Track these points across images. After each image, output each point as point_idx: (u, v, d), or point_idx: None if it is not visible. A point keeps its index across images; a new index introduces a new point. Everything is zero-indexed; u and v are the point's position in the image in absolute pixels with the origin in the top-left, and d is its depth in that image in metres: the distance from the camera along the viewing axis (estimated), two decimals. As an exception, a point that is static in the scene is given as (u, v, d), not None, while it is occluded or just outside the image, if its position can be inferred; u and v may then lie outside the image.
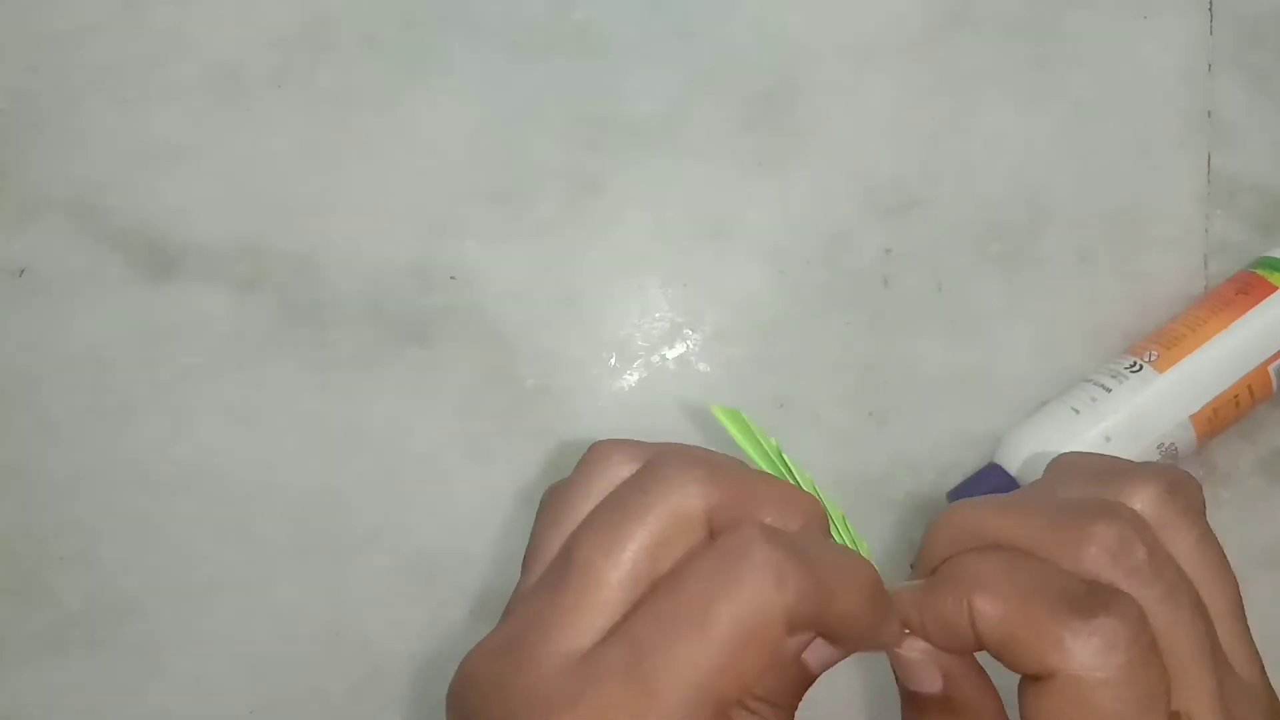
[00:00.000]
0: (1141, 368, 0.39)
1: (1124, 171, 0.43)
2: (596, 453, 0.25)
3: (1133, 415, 0.38)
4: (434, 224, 0.42)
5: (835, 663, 0.24)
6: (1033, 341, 0.42)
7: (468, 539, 0.41)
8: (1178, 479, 0.25)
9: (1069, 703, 0.22)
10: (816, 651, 0.24)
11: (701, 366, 0.42)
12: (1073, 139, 0.43)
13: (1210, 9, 0.43)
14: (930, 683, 0.26)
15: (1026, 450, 0.40)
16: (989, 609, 0.23)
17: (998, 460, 0.40)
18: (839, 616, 0.22)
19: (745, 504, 0.24)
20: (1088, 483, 0.26)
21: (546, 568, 0.24)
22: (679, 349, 0.42)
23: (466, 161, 0.42)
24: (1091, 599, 0.22)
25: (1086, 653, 0.22)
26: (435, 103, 0.42)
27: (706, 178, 0.42)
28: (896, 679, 0.26)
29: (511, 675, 0.22)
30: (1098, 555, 0.23)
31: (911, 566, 0.42)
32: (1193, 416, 0.38)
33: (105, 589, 0.41)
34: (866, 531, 0.42)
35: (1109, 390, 0.39)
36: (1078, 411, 0.39)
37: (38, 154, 0.41)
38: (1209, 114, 0.43)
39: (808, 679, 0.24)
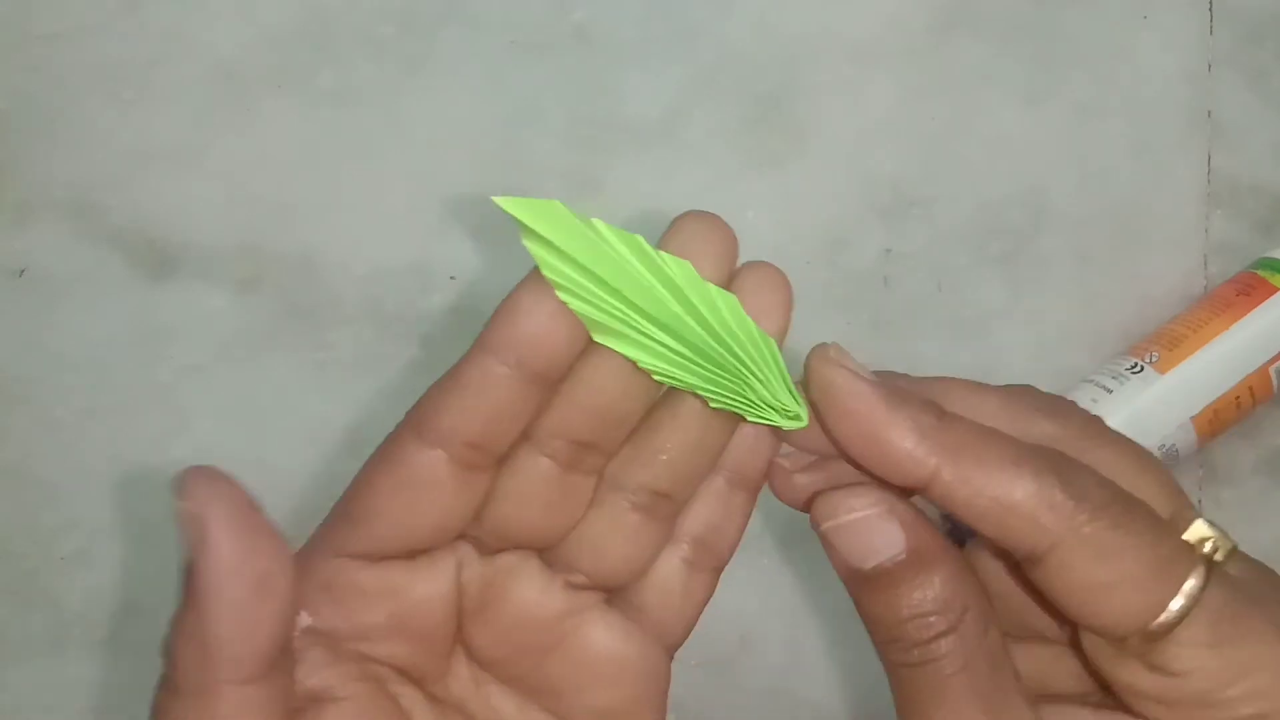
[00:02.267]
0: (1142, 369, 0.39)
1: (1124, 171, 0.43)
2: None
3: (1133, 416, 0.38)
4: (434, 224, 0.42)
5: None
6: (1033, 341, 0.42)
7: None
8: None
9: None
10: None
11: (701, 366, 0.42)
12: (1073, 139, 0.43)
13: (1210, 9, 0.43)
14: (892, 543, 0.22)
15: (1026, 450, 0.40)
16: (977, 477, 0.21)
17: (998, 460, 0.40)
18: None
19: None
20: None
21: None
22: (679, 349, 0.42)
23: (466, 161, 0.42)
24: (1063, 464, 0.22)
25: None
26: (435, 103, 0.42)
27: (706, 178, 0.42)
28: (837, 565, 0.23)
29: None
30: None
31: None
32: (1193, 418, 0.38)
33: (105, 589, 0.41)
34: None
35: (1110, 391, 0.39)
36: (1078, 412, 0.39)
37: (38, 154, 0.41)
38: (1209, 114, 0.43)
39: None
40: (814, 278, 0.42)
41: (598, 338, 0.22)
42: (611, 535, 0.23)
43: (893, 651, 0.22)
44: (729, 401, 0.23)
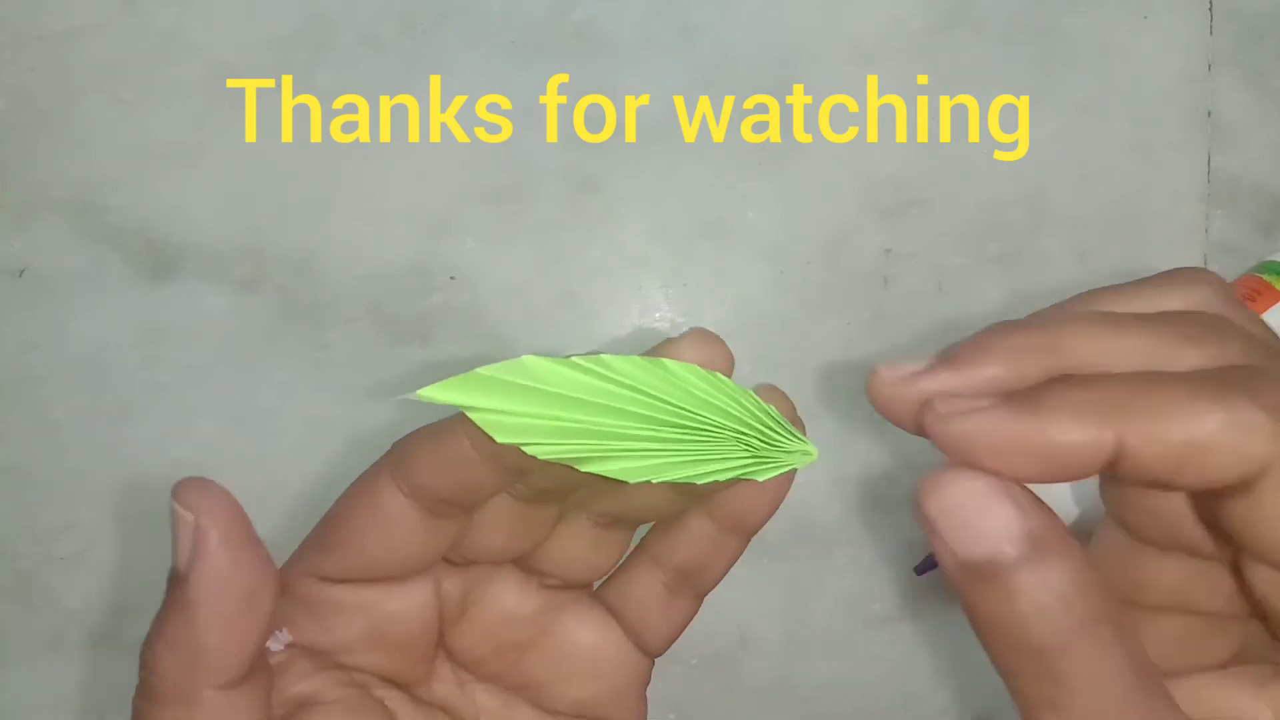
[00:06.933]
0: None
1: (1124, 171, 0.43)
2: None
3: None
4: (433, 224, 0.42)
5: None
6: (1033, 342, 0.42)
7: (468, 539, 0.41)
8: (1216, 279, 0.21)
9: None
10: None
11: (701, 366, 0.42)
12: (1073, 139, 0.43)
13: (1210, 9, 0.43)
14: (1007, 526, 0.18)
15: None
16: (1159, 429, 0.18)
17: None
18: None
19: None
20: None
21: None
22: (679, 349, 0.42)
23: (466, 161, 0.42)
24: (1243, 380, 0.18)
25: None
26: (435, 102, 0.42)
27: (706, 178, 0.42)
28: (943, 557, 0.19)
29: None
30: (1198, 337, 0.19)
31: (918, 570, 0.42)
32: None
33: (105, 589, 0.41)
34: (865, 533, 0.42)
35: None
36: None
37: (38, 154, 0.41)
38: (1209, 114, 0.43)
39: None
40: (814, 278, 0.42)
41: (584, 468, 0.21)
42: (576, 546, 0.25)
43: (1011, 658, 0.19)
44: (733, 471, 0.22)
